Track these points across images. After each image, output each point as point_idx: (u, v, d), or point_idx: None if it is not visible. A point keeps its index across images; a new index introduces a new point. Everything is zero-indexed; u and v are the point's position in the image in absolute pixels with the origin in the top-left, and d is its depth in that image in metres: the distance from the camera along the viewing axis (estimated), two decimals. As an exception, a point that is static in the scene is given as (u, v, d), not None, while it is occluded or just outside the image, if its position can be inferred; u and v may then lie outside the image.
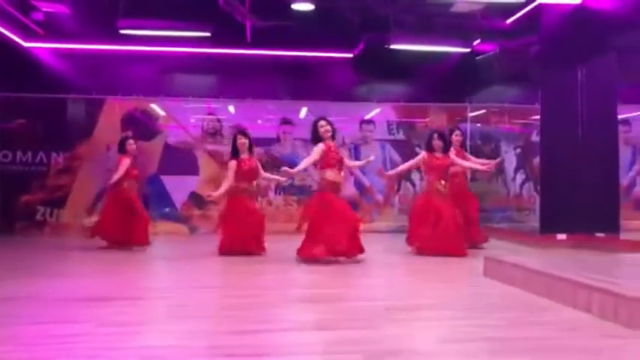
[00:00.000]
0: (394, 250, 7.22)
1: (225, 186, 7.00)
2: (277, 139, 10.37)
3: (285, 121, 10.43)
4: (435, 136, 7.12)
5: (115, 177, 7.56)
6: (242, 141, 6.98)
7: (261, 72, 10.21)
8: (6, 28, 9.41)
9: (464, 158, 7.75)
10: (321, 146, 6.39)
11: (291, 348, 2.96)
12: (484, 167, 7.77)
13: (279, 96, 10.56)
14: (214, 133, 10.40)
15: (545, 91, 8.23)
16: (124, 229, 7.46)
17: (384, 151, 10.59)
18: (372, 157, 7.21)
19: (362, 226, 6.59)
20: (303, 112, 10.72)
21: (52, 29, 9.58)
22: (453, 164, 7.17)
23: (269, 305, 4.00)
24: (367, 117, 10.80)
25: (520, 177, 11.06)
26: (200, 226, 10.10)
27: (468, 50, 10.44)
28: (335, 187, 6.40)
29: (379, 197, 10.64)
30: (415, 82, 10.82)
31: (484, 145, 10.89)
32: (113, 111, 10.16)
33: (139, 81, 10.05)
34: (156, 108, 10.32)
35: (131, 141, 7.87)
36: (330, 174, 6.36)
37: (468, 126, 10.66)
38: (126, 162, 7.61)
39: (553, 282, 4.06)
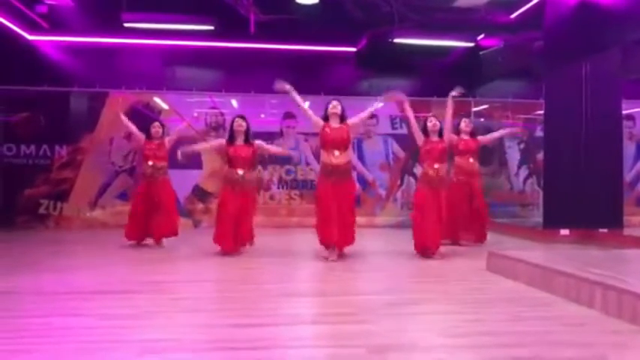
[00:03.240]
0: (396, 245, 7.21)
1: (198, 146, 7.45)
2: (280, 134, 10.36)
3: (289, 116, 10.41)
4: (431, 118, 6.58)
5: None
6: (238, 123, 6.58)
7: (264, 66, 10.20)
8: (10, 21, 9.46)
9: (477, 149, 7.53)
10: (321, 122, 6.24)
11: (292, 342, 2.95)
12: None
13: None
14: (217, 127, 10.40)
15: (549, 86, 8.19)
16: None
17: (387, 146, 10.58)
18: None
19: (358, 220, 6.33)
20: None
21: (56, 22, 9.61)
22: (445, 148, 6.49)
23: (268, 299, 4.00)
24: (370, 111, 10.75)
25: (523, 172, 11.04)
26: (203, 219, 10.14)
27: (472, 45, 10.40)
28: (330, 169, 6.03)
29: (382, 192, 10.62)
30: (419, 77, 10.81)
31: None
32: (117, 104, 10.16)
33: (143, 74, 10.07)
34: (159, 101, 10.32)
35: (155, 124, 7.58)
36: (324, 155, 6.14)
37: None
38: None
39: (556, 277, 4.06)
